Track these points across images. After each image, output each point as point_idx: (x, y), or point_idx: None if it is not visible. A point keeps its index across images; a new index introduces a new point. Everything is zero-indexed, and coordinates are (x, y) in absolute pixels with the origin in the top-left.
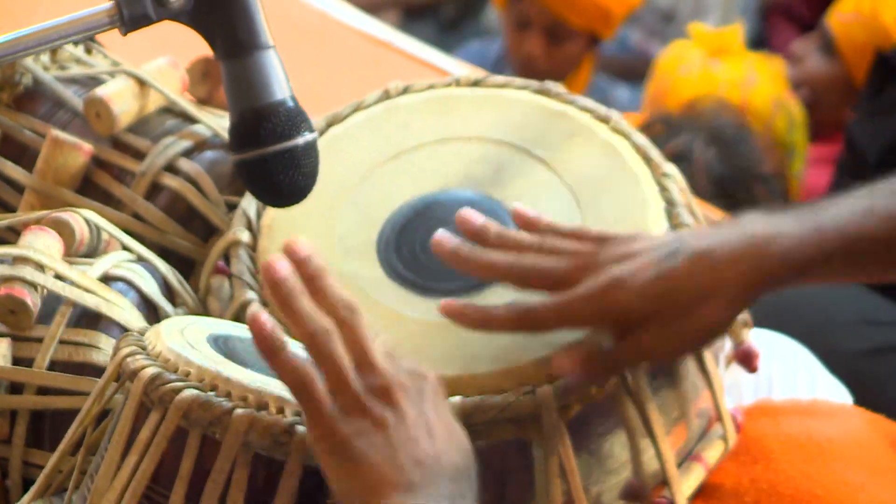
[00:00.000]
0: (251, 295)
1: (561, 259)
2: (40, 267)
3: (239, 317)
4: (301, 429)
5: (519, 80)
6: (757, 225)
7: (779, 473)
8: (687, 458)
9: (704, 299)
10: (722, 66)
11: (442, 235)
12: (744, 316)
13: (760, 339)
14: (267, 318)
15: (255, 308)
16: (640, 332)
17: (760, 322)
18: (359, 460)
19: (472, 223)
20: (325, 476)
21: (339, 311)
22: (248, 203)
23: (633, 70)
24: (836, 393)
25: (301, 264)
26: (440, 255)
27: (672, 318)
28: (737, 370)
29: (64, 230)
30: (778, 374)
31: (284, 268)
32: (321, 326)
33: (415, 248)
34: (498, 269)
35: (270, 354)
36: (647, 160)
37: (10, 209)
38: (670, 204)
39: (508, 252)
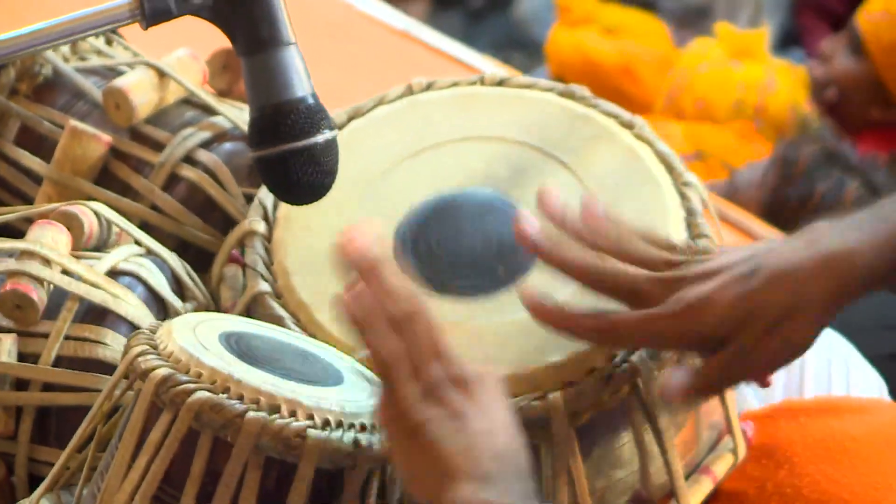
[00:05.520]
0: (264, 286)
1: (640, 270)
2: (47, 262)
3: (251, 307)
4: (313, 433)
5: (544, 82)
6: (832, 241)
7: (803, 478)
8: (696, 470)
9: (788, 317)
10: (742, 67)
11: (526, 218)
12: None
13: None
14: (362, 298)
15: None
16: (725, 351)
17: None
18: (433, 447)
19: (553, 203)
20: (392, 464)
21: (411, 305)
22: (265, 193)
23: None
24: (871, 383)
25: (360, 260)
26: (520, 237)
27: (757, 336)
28: None
29: (73, 223)
30: (811, 368)
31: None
32: (406, 306)
33: (431, 246)
34: (576, 269)
35: (364, 331)
36: (670, 168)
37: (28, 200)
38: (690, 213)
39: (587, 251)
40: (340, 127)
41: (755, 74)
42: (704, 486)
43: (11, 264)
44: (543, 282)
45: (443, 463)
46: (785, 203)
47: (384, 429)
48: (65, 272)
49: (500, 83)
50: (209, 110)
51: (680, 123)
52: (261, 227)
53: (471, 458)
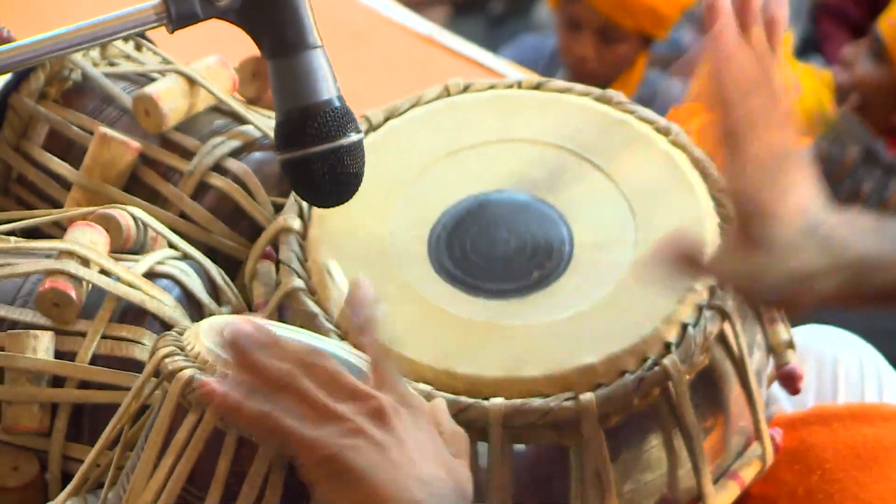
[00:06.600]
0: (298, 282)
1: None
2: (85, 261)
3: (284, 303)
4: None
5: (580, 87)
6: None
7: (835, 484)
8: (723, 475)
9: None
10: None
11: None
12: (787, 337)
13: (827, 336)
14: (214, 387)
15: (197, 378)
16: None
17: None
18: (362, 480)
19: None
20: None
21: (303, 357)
22: None
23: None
24: None
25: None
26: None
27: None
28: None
29: (111, 226)
30: (843, 374)
31: (243, 328)
32: (284, 369)
33: (466, 247)
34: None
35: (232, 414)
36: (705, 174)
37: (57, 205)
38: (725, 220)
39: None
40: (377, 126)
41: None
42: (732, 492)
43: (50, 263)
44: (578, 285)
45: (374, 495)
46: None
47: (309, 478)
48: (103, 272)
49: (537, 87)
50: (238, 118)
51: None
52: (296, 223)
53: (399, 487)
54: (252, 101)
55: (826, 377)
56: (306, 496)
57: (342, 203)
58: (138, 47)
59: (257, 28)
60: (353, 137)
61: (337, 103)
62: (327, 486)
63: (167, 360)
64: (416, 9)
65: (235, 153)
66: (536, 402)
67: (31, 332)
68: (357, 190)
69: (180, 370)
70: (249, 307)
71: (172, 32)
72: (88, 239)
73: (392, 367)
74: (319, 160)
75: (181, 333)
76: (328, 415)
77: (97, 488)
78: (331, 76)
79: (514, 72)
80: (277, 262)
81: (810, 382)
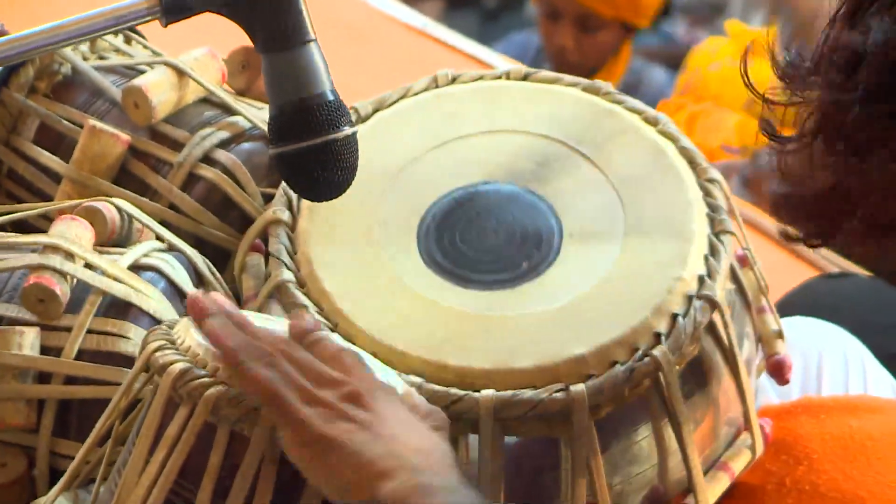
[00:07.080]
0: (287, 275)
1: None
2: (70, 256)
3: (273, 296)
4: None
5: (568, 77)
6: None
7: (821, 474)
8: (713, 466)
9: None
10: (753, 65)
11: None
12: (776, 327)
13: (812, 329)
14: (232, 333)
15: (219, 322)
16: None
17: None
18: (356, 457)
19: None
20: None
21: (277, 344)
22: None
23: (678, 58)
24: (886, 384)
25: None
26: None
27: None
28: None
29: (96, 219)
30: (828, 367)
31: (213, 302)
32: (264, 350)
33: (455, 239)
34: None
35: (236, 368)
36: (693, 164)
37: (46, 198)
38: (713, 209)
39: None
40: (365, 118)
41: (766, 72)
42: (722, 483)
43: (35, 258)
44: (567, 275)
45: (370, 468)
46: None
47: (296, 458)
48: (88, 266)
49: (525, 77)
50: (228, 109)
51: (739, 114)
52: (285, 216)
53: (395, 457)
54: (241, 93)
55: (811, 370)
56: (298, 489)
57: (335, 197)
58: (128, 40)
59: (251, 21)
60: (347, 130)
61: (330, 97)
62: (318, 468)
63: (158, 353)
64: (409, 3)
65: (225, 144)
66: (527, 393)
67: (17, 328)
68: (351, 183)
69: (171, 364)
70: (239, 299)
71: (166, 26)
72: (73, 233)
73: (356, 356)
74: (312, 154)
75: (171, 327)
76: (313, 398)
77: (88, 484)
78: (325, 70)
79: (507, 65)
80: (266, 255)
81: (795, 376)
